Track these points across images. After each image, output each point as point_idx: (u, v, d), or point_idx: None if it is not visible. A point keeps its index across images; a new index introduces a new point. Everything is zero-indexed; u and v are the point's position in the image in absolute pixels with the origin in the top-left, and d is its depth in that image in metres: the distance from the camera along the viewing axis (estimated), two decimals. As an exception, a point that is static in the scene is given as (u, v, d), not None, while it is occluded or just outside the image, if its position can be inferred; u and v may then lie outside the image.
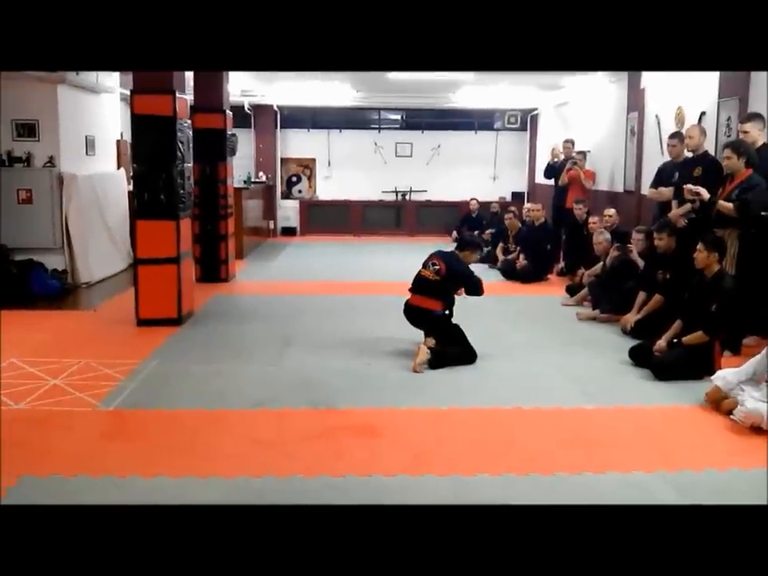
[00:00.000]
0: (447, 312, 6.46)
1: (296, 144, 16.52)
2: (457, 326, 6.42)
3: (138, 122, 7.36)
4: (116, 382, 5.59)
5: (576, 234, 10.15)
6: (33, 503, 3.66)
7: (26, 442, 4.50)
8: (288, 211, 16.39)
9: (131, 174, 7.69)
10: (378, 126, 16.70)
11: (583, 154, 11.51)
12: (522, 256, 10.57)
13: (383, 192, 16.26)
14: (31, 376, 5.74)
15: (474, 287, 6.49)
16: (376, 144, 16.37)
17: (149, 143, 7.28)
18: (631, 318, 7.04)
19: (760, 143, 6.52)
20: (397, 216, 16.50)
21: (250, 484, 3.90)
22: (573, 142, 11.82)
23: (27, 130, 9.37)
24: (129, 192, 10.79)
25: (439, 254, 6.53)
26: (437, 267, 6.35)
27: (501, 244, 11.53)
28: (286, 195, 16.57)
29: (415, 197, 16.39)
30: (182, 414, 4.98)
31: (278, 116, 16.21)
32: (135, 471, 4.05)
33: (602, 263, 8.41)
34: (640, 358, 6.05)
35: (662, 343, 5.91)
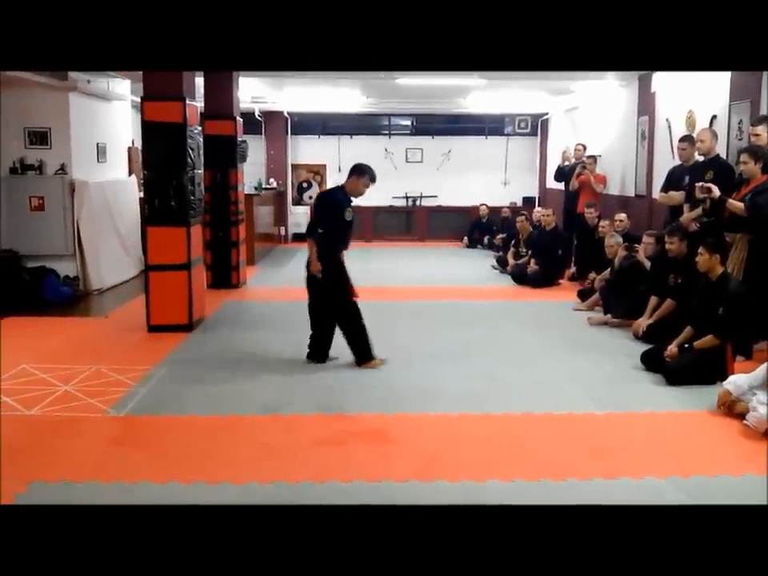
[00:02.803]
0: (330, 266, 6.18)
1: (306, 150, 16.54)
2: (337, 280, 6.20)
3: (148, 129, 7.39)
4: (127, 388, 5.60)
5: (587, 239, 10.12)
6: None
7: (37, 447, 4.52)
8: (299, 217, 16.39)
9: (142, 180, 7.72)
10: (388, 132, 16.72)
11: (594, 158, 11.48)
12: (533, 261, 10.54)
13: (394, 198, 16.25)
14: (43, 382, 5.76)
15: (309, 227, 6.37)
16: (386, 150, 16.38)
17: (159, 150, 7.31)
18: (643, 322, 7.01)
19: (773, 145, 6.48)
20: (407, 222, 16.50)
21: (260, 490, 3.90)
22: (584, 147, 11.81)
23: (39, 137, 9.43)
24: (140, 199, 10.84)
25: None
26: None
27: (512, 249, 11.51)
28: (297, 201, 16.59)
29: (426, 202, 16.38)
30: (192, 420, 4.99)
31: (289, 122, 16.25)
32: (146, 477, 4.05)
33: (611, 266, 8.38)
34: (652, 362, 6.02)
35: (672, 348, 5.88)
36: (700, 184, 6.59)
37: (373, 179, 6.32)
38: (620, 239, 8.49)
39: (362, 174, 6.23)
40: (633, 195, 10.72)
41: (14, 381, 5.77)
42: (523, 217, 11.56)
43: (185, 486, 3.95)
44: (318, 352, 6.33)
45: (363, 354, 6.19)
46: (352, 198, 6.28)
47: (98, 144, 10.38)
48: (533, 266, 10.43)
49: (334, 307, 6.22)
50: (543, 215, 11.02)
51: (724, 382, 5.12)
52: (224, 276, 10.18)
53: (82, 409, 5.17)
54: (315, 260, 6.11)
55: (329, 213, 6.17)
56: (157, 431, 4.82)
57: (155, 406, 5.24)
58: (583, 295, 8.94)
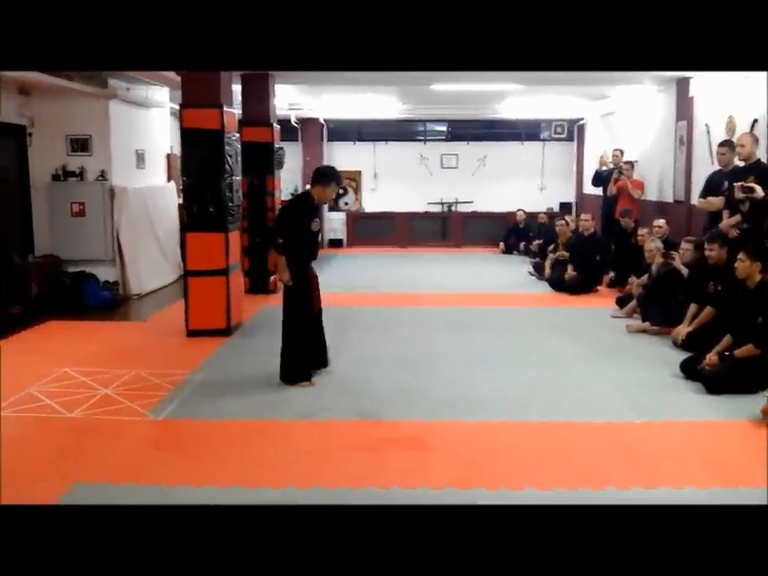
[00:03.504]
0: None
1: (342, 156, 16.60)
2: (295, 288, 5.85)
3: (187, 136, 7.48)
4: (165, 392, 5.66)
5: (625, 245, 10.03)
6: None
7: (78, 450, 4.59)
8: (335, 223, 16.47)
9: (181, 187, 7.81)
10: (423, 138, 16.73)
11: (631, 163, 11.38)
12: (570, 267, 10.46)
13: (429, 203, 16.25)
14: (83, 385, 5.85)
15: (270, 233, 6.04)
16: (421, 156, 16.39)
17: (198, 157, 7.40)
18: (682, 330, 6.92)
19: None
20: (443, 227, 16.48)
21: (297, 495, 3.91)
22: (622, 152, 11.72)
23: (80, 144, 9.60)
24: (178, 205, 10.97)
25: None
26: None
27: (550, 255, 11.44)
28: (333, 207, 16.66)
29: (461, 208, 16.35)
30: (230, 424, 5.03)
31: (325, 129, 16.33)
32: (183, 480, 4.09)
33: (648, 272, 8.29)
34: (691, 371, 5.94)
35: (712, 357, 5.79)
36: (739, 184, 6.48)
37: (339, 183, 6.09)
38: (660, 244, 8.40)
39: (328, 180, 5.89)
40: (671, 201, 10.60)
41: (56, 384, 5.87)
42: (564, 221, 11.49)
43: (222, 489, 3.98)
44: (313, 363, 6.06)
45: (289, 373, 5.86)
46: (318, 207, 6.02)
47: (137, 151, 10.53)
48: (570, 272, 10.35)
49: (285, 317, 5.92)
50: (583, 219, 10.94)
51: (767, 392, 5.04)
52: (261, 281, 10.24)
53: (121, 412, 5.24)
54: (283, 269, 5.79)
55: (295, 224, 5.82)
56: (194, 435, 4.86)
57: (193, 410, 5.29)
58: (622, 302, 8.84)
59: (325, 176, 5.93)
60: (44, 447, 4.64)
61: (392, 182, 16.34)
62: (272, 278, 5.74)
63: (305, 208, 5.91)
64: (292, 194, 14.04)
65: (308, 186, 6.18)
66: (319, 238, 6.18)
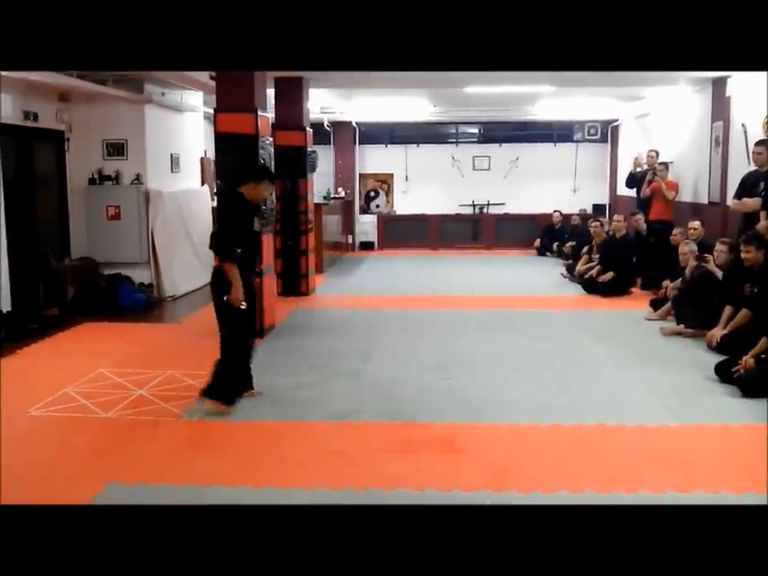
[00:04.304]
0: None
1: (374, 159, 16.65)
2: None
3: (221, 140, 7.55)
4: (199, 393, 5.71)
5: (659, 246, 9.94)
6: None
7: (113, 449, 4.66)
8: (366, 226, 16.51)
9: (215, 190, 7.87)
10: (455, 140, 16.70)
11: (665, 164, 11.27)
12: (598, 268, 10.39)
13: (460, 206, 16.22)
14: (118, 386, 5.93)
15: (216, 239, 5.33)
16: (453, 158, 16.37)
17: (232, 160, 7.45)
18: (717, 332, 6.84)
19: None
20: (474, 229, 16.43)
21: (329, 496, 3.93)
22: (657, 153, 11.62)
23: (116, 149, 9.73)
24: (212, 208, 11.07)
25: None
26: None
27: (584, 256, 11.36)
28: (365, 210, 16.71)
29: (493, 210, 16.30)
30: (263, 425, 5.07)
31: (357, 132, 16.38)
32: (217, 481, 4.13)
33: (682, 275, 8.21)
34: (726, 374, 5.87)
35: (748, 359, 5.72)
36: None
37: (273, 181, 5.75)
38: (694, 247, 8.31)
39: (260, 178, 5.49)
40: (706, 202, 10.48)
41: (91, 384, 5.96)
42: (598, 222, 11.42)
43: (255, 490, 4.02)
44: (240, 385, 5.53)
45: (216, 390, 5.33)
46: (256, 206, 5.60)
47: (171, 154, 10.64)
48: (605, 276, 10.24)
49: (223, 329, 5.41)
50: (615, 220, 10.86)
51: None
52: (293, 284, 10.31)
53: (155, 413, 5.30)
54: (239, 286, 5.21)
55: (239, 226, 5.32)
56: (228, 435, 4.91)
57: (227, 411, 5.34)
58: (656, 304, 8.76)
59: (256, 173, 5.60)
60: (79, 447, 4.71)
61: (423, 184, 16.33)
62: (227, 298, 5.19)
63: (244, 207, 5.41)
64: (324, 197, 14.09)
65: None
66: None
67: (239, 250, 5.20)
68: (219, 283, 5.30)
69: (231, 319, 5.32)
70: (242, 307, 5.23)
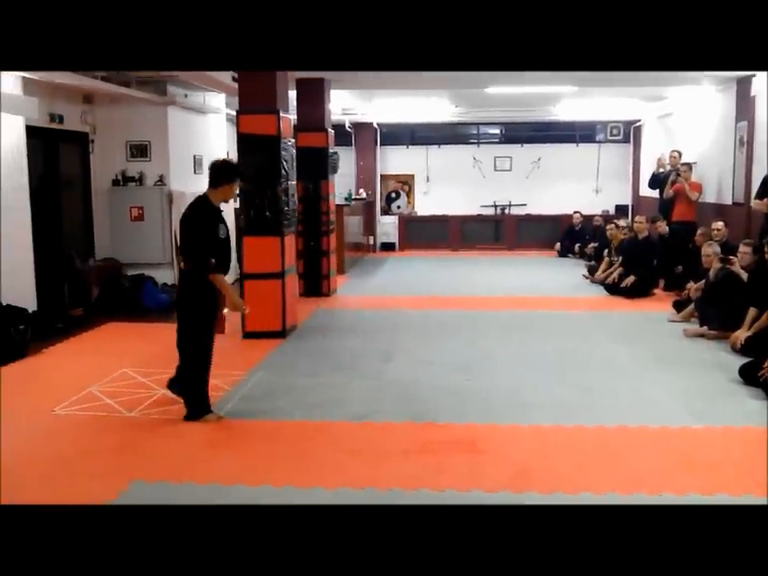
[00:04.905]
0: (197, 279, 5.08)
1: (395, 160, 16.66)
2: (197, 301, 5.09)
3: (244, 141, 7.60)
4: (222, 392, 5.75)
5: (683, 248, 9.87)
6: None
7: (137, 448, 4.70)
8: (387, 227, 16.53)
9: (237, 191, 7.91)
10: (476, 141, 16.68)
11: (689, 165, 11.20)
12: (619, 271, 10.35)
13: (482, 206, 16.19)
14: (142, 385, 5.98)
15: (187, 251, 5.09)
16: (475, 158, 16.34)
17: (254, 162, 7.49)
18: (741, 334, 6.78)
19: None
20: (496, 230, 16.40)
21: (351, 495, 3.95)
22: (680, 153, 11.54)
23: (140, 150, 9.82)
24: (235, 209, 11.12)
25: None
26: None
27: (606, 258, 11.31)
28: (386, 211, 16.72)
29: (515, 211, 16.26)
30: (285, 424, 5.09)
31: (378, 133, 16.40)
32: (240, 480, 4.16)
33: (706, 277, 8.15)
34: (751, 376, 5.82)
35: (773, 361, 5.67)
36: None
37: (242, 177, 5.55)
38: (717, 249, 8.24)
39: (233, 176, 5.22)
40: (730, 203, 10.40)
41: (115, 384, 6.01)
42: (613, 225, 11.39)
43: (277, 489, 4.03)
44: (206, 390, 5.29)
45: (194, 406, 5.17)
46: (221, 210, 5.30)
47: (194, 156, 10.72)
48: (628, 279, 10.19)
49: (185, 338, 5.23)
50: (636, 221, 10.80)
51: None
52: (315, 284, 10.35)
53: (179, 412, 5.33)
54: (232, 293, 5.26)
55: (205, 235, 5.06)
56: (250, 435, 4.94)
57: (249, 411, 5.37)
58: (679, 306, 8.70)
59: (228, 172, 5.24)
60: (104, 445, 4.76)
61: (445, 185, 16.32)
62: (223, 312, 5.14)
63: (209, 215, 5.12)
64: (346, 198, 14.12)
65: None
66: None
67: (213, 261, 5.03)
68: (186, 286, 5.19)
69: (195, 324, 5.18)
70: (246, 312, 5.24)
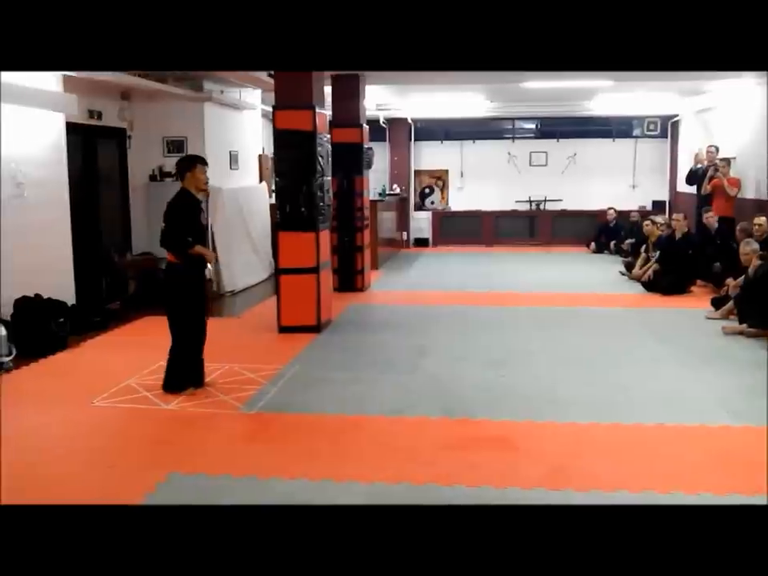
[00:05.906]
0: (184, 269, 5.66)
1: (429, 156, 16.63)
2: (185, 292, 5.69)
3: (280, 137, 7.63)
4: (259, 386, 5.80)
5: (721, 244, 9.74)
6: (179, 499, 3.86)
7: (174, 440, 4.76)
8: (421, 222, 16.50)
9: (273, 187, 7.96)
10: (511, 136, 16.58)
11: (727, 160, 11.03)
12: (655, 267, 10.23)
13: (516, 202, 16.10)
14: (180, 379, 6.03)
15: (165, 238, 5.58)
16: (509, 154, 16.25)
17: (291, 157, 7.54)
18: (782, 332, 6.68)
19: None
20: (530, 226, 16.29)
21: (387, 490, 3.96)
22: (717, 148, 11.37)
23: (176, 146, 9.90)
24: (270, 205, 11.19)
25: None
26: None
27: (643, 254, 11.19)
28: (419, 207, 16.70)
29: (550, 206, 16.14)
30: (321, 418, 5.12)
31: (412, 129, 16.38)
32: (276, 473, 4.19)
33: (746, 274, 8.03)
34: (792, 374, 5.74)
35: (816, 360, 5.58)
36: None
37: (204, 162, 5.78)
38: (756, 246, 8.12)
39: (191, 164, 5.66)
40: (770, 199, 10.24)
41: (153, 376, 6.08)
42: (649, 221, 11.27)
43: (313, 482, 4.06)
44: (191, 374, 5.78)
45: (170, 382, 5.69)
46: (201, 201, 5.77)
47: (230, 152, 10.78)
48: (657, 272, 10.08)
49: (177, 320, 5.74)
50: (675, 220, 10.67)
51: None
52: (349, 280, 10.38)
53: (216, 405, 5.39)
54: (207, 251, 5.79)
55: (186, 224, 5.60)
56: (286, 429, 4.97)
57: (285, 404, 5.41)
58: (717, 303, 8.59)
59: (185, 162, 5.73)
60: (141, 437, 4.83)
61: (479, 180, 16.26)
62: (207, 270, 5.82)
63: (189, 203, 5.62)
64: (380, 194, 14.13)
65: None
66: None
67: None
68: (171, 278, 5.74)
69: (183, 312, 5.70)
70: (211, 259, 5.88)
